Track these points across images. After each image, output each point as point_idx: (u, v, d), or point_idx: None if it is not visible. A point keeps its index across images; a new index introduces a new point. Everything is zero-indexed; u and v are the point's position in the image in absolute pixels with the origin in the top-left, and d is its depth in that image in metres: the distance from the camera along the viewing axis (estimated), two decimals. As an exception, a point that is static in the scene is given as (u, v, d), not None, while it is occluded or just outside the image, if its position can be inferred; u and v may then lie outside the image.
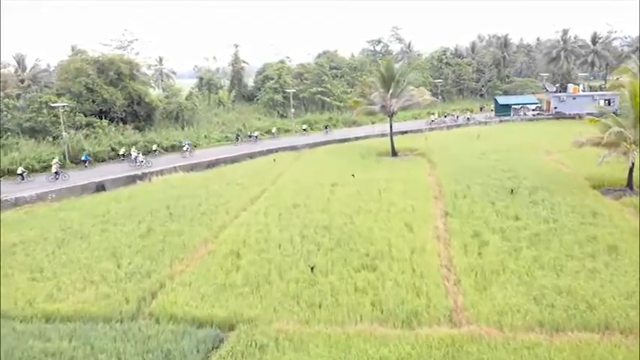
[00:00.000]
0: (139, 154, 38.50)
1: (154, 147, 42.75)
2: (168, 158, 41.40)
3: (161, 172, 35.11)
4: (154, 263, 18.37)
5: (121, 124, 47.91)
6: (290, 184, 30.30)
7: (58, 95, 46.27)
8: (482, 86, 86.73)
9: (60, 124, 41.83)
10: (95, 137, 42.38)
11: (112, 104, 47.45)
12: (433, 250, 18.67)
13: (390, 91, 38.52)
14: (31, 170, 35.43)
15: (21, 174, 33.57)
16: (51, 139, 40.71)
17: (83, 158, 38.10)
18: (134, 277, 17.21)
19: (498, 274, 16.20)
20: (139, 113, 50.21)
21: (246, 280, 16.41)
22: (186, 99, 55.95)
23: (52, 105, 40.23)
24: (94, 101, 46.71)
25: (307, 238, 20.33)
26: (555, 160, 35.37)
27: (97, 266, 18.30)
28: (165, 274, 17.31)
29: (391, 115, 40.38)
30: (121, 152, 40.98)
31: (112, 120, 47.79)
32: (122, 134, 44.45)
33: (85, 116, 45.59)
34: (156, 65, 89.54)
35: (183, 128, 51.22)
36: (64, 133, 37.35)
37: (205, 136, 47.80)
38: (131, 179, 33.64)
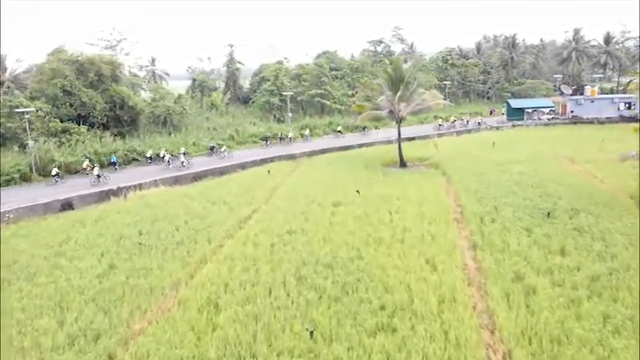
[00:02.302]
0: (179, 155, 38.11)
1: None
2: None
3: (139, 187, 30.93)
4: (108, 318, 14.20)
5: (101, 131, 43.79)
6: (285, 203, 26.14)
7: (32, 99, 42.21)
8: (490, 88, 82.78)
9: (32, 130, 37.82)
10: (69, 146, 38.06)
11: (92, 108, 43.29)
12: (467, 300, 14.55)
13: (399, 94, 34.37)
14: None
15: (56, 175, 32.23)
16: (17, 147, 36.45)
17: (112, 161, 36.79)
18: (77, 341, 13.04)
19: (561, 342, 12.11)
20: (122, 118, 46.03)
21: (223, 351, 12.26)
22: (175, 102, 51.73)
23: (18, 110, 35.87)
24: (71, 105, 42.55)
25: (305, 280, 16.19)
26: (586, 172, 31.32)
27: (34, 323, 14.11)
28: (118, 337, 13.12)
29: (399, 120, 36.20)
30: (148, 154, 39.05)
31: (92, 126, 43.63)
32: (100, 142, 40.11)
33: (62, 122, 41.42)
34: (147, 66, 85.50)
35: (170, 134, 47.04)
36: (30, 142, 33.13)
37: (194, 143, 43.60)
38: (105, 195, 29.43)
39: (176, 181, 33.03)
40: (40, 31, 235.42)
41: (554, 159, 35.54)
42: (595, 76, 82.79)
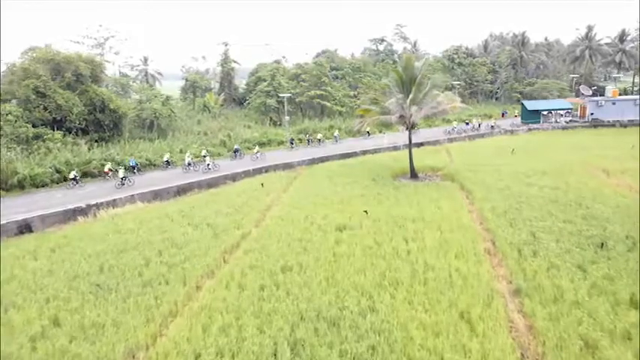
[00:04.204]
0: (205, 157, 36.82)
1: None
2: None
3: (113, 204, 26.89)
4: (28, 415, 10.18)
5: (80, 136, 39.75)
6: (280, 227, 22.06)
7: (2, 101, 38.09)
8: (498, 88, 78.75)
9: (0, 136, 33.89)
10: (38, 155, 33.98)
11: (68, 112, 39.19)
12: (526, 387, 10.53)
13: (411, 97, 30.30)
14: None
15: (74, 178, 31.14)
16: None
17: (132, 164, 35.13)
18: None
19: None
20: (103, 122, 41.92)
21: None
22: (163, 104, 47.65)
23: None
24: (45, 108, 38.46)
25: (303, 348, 12.14)
26: (627, 187, 27.25)
27: None
28: None
29: (411, 127, 32.10)
30: (165, 158, 37.34)
31: (69, 131, 39.60)
32: (71, 150, 35.93)
33: (34, 126, 37.35)
34: (139, 66, 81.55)
35: (154, 140, 42.95)
36: (-12, 152, 29.19)
37: (181, 151, 39.52)
38: (70, 214, 25.37)
39: (155, 196, 28.98)
40: (36, 32, 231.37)
41: (585, 169, 31.52)
42: (614, 75, 78.78)
